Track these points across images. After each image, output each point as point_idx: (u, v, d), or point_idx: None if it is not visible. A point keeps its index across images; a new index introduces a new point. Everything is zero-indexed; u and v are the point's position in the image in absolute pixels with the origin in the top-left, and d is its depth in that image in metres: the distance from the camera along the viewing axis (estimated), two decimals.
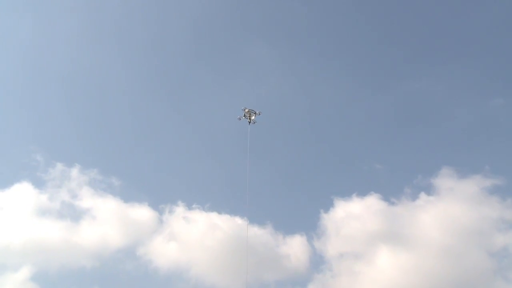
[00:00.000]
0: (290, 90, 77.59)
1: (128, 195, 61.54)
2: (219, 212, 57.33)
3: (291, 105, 75.49)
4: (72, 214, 56.24)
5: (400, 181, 63.23)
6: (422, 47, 76.58)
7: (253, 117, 37.75)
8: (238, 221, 53.80)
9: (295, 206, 61.44)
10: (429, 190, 57.98)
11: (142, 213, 57.72)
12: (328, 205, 58.34)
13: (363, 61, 77.95)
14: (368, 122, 73.08)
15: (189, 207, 58.17)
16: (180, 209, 57.88)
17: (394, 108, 73.84)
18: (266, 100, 70.49)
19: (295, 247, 54.43)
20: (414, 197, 57.45)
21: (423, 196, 57.16)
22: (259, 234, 54.09)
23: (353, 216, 56.49)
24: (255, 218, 54.64)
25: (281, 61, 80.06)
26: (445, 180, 57.99)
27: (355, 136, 71.43)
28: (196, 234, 55.34)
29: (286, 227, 58.02)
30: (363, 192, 58.49)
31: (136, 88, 77.19)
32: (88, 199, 58.28)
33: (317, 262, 52.92)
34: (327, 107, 75.96)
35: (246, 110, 37.92)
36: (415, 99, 73.20)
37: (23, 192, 57.33)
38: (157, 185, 65.35)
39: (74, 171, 61.38)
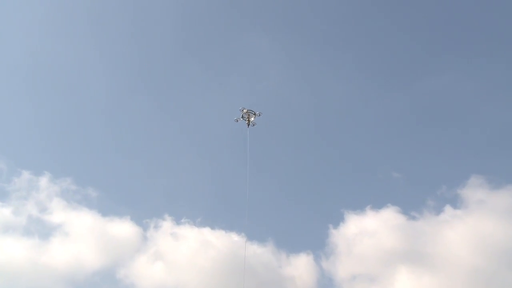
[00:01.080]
0: (293, 86, 70.14)
1: (106, 208, 56.02)
2: (213, 228, 52.74)
3: (295, 104, 68.51)
4: (41, 230, 50.87)
5: (421, 192, 56.89)
6: (445, 36, 68.52)
7: (252, 119, 33.83)
8: (235, 237, 50.26)
9: (300, 220, 55.82)
10: (456, 202, 53.49)
11: (123, 228, 52.75)
12: (338, 220, 54.20)
13: (377, 53, 69.77)
14: (384, 124, 65.96)
15: (178, 221, 53.48)
16: (167, 224, 53.13)
17: (413, 107, 66.61)
18: (266, 99, 63.89)
19: (300, 268, 49.76)
20: (438, 210, 52.56)
21: (448, 209, 52.28)
22: (259, 252, 49.87)
23: (367, 232, 52.02)
24: (254, 234, 51.43)
25: (283, 53, 72.07)
26: (474, 191, 52.78)
27: (368, 140, 64.31)
28: (186, 253, 50.94)
29: (290, 244, 52.53)
30: (378, 205, 53.36)
31: (116, 84, 69.44)
32: (60, 213, 53.05)
33: (326, 285, 48.78)
34: (336, 107, 68.42)
35: (245, 111, 33.66)
36: (438, 97, 65.63)
37: None
38: (140, 196, 59.22)
39: (43, 181, 55.56)
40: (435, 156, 61.44)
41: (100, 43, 69.47)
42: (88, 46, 68.62)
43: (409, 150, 62.95)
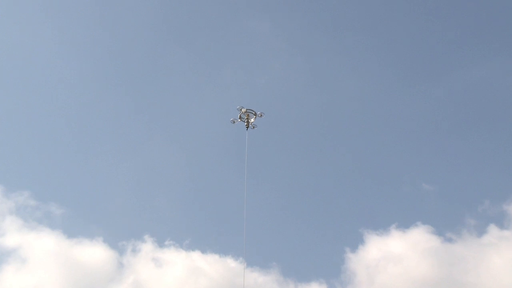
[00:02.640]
0: (300, 81, 60.35)
1: (73, 228, 47.85)
2: (204, 251, 46.29)
3: (302, 103, 59.41)
4: None
5: (459, 208, 50.05)
6: (486, 18, 59.93)
7: (252, 120, 29.90)
8: (231, 263, 44.58)
9: (310, 242, 48.68)
10: (502, 221, 46.48)
11: (94, 253, 45.86)
12: (356, 242, 47.10)
13: (403, 41, 60.76)
14: (411, 125, 57.07)
15: (161, 244, 46.68)
16: (148, 247, 46.29)
17: (447, 105, 57.30)
18: (267, 96, 55.78)
19: None
20: (480, 231, 46.14)
21: (493, 229, 45.96)
22: (261, 281, 43.97)
23: (392, 257, 45.87)
24: (255, 259, 44.56)
25: (288, 40, 62.05)
26: None
27: (392, 145, 56.32)
28: (172, 282, 44.44)
29: (298, 272, 46.14)
30: (406, 223, 47.36)
31: (83, 77, 59.65)
32: (15, 235, 45.59)
33: None
34: (351, 105, 59.58)
35: (243, 110, 29.58)
36: (477, 93, 57.28)
37: None
38: (115, 213, 50.76)
39: None
40: (475, 163, 53.40)
41: (61, 27, 59.69)
42: (46, 31, 59.40)
43: (442, 156, 54.65)
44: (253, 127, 28.79)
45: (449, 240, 45.85)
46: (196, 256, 45.99)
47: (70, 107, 57.50)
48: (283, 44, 61.66)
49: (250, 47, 61.28)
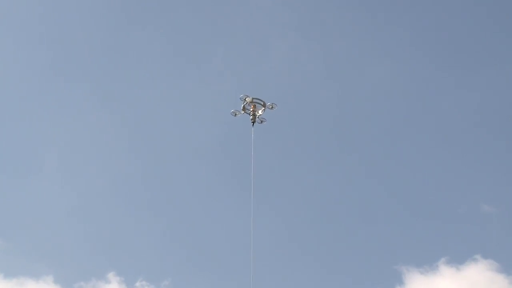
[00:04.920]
0: (315, 65, 47.12)
1: (14, 265, 37.48)
2: None
3: (316, 95, 46.18)
4: None
5: None
6: None
7: (260, 112, 22.67)
8: None
9: (336, 284, 38.13)
10: None
11: None
12: (392, 282, 37.11)
13: (447, 20, 48.22)
14: (463, 127, 45.14)
15: (131, 285, 36.74)
16: None
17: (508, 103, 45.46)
18: (272, 86, 42.84)
19: None
20: None
21: None
22: None
23: None
24: None
25: (297, 17, 47.84)
26: None
27: (438, 153, 43.90)
28: None
29: None
30: (459, 257, 36.94)
31: (28, 69, 47.16)
32: None
33: None
34: (384, 100, 46.03)
35: (249, 100, 22.68)
36: None
37: None
38: (68, 245, 39.54)
39: None
40: None
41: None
42: None
43: (507, 169, 42.53)
44: (261, 122, 22.37)
45: None
46: None
47: (14, 110, 45.25)
48: (291, 21, 47.21)
49: (250, 27, 47.23)
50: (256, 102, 22.08)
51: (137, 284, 36.29)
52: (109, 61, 46.78)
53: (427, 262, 37.17)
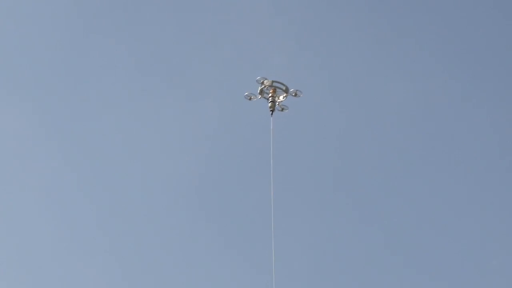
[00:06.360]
0: (333, 58, 39.97)
1: None
2: None
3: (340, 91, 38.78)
4: None
5: None
6: None
7: (281, 98, 17.04)
8: None
9: None
10: None
11: None
12: None
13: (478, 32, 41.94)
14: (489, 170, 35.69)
15: None
16: None
17: None
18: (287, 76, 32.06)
19: None
20: None
21: None
22: None
23: None
24: None
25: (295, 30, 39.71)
26: None
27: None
28: None
29: None
30: None
31: None
32: None
33: None
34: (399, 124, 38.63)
35: (267, 83, 17.24)
36: None
37: None
38: None
39: None
40: None
41: None
42: None
43: None
44: (282, 109, 17.18)
45: None
46: None
47: None
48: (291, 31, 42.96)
49: (246, 22, 38.75)
50: (277, 86, 17.56)
51: None
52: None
53: None
